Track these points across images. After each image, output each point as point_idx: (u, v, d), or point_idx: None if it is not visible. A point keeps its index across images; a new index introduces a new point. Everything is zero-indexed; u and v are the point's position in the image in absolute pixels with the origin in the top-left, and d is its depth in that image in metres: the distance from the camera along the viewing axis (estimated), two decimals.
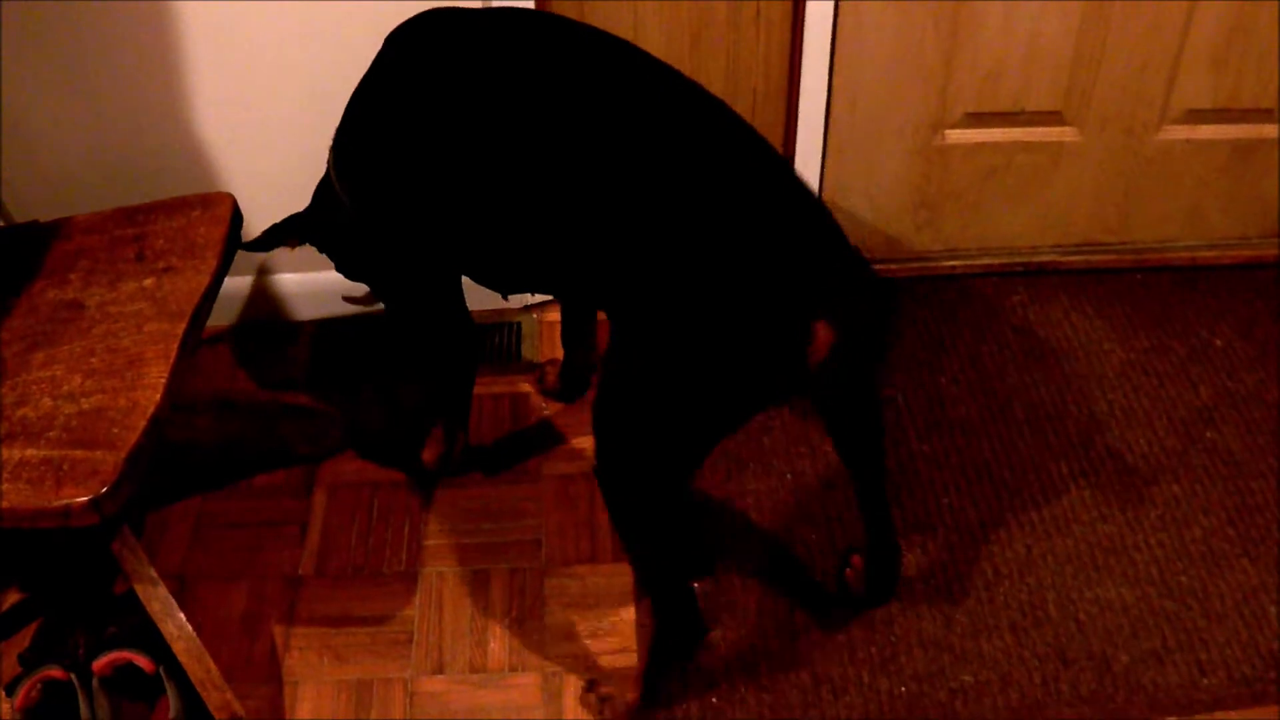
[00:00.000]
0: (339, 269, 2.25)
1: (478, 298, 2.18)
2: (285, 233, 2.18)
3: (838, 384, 1.63)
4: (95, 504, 1.61)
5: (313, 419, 2.57)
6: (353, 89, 1.90)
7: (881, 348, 1.68)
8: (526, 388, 2.61)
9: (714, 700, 2.03)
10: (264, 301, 2.76)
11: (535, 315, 2.77)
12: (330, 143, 1.97)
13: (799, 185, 1.61)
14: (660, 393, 1.60)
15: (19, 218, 2.49)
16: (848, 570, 2.17)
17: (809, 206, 1.59)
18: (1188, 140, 2.67)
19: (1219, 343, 2.64)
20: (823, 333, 1.50)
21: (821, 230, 1.57)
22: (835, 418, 1.90)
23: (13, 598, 2.26)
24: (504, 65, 1.73)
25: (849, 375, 1.66)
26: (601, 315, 2.36)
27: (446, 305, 2.13)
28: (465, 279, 2.04)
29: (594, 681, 2.07)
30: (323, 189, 2.14)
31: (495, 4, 2.26)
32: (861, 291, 1.57)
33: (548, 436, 2.50)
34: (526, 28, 1.79)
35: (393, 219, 1.92)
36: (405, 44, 1.85)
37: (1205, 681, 2.04)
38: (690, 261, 1.53)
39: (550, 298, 2.74)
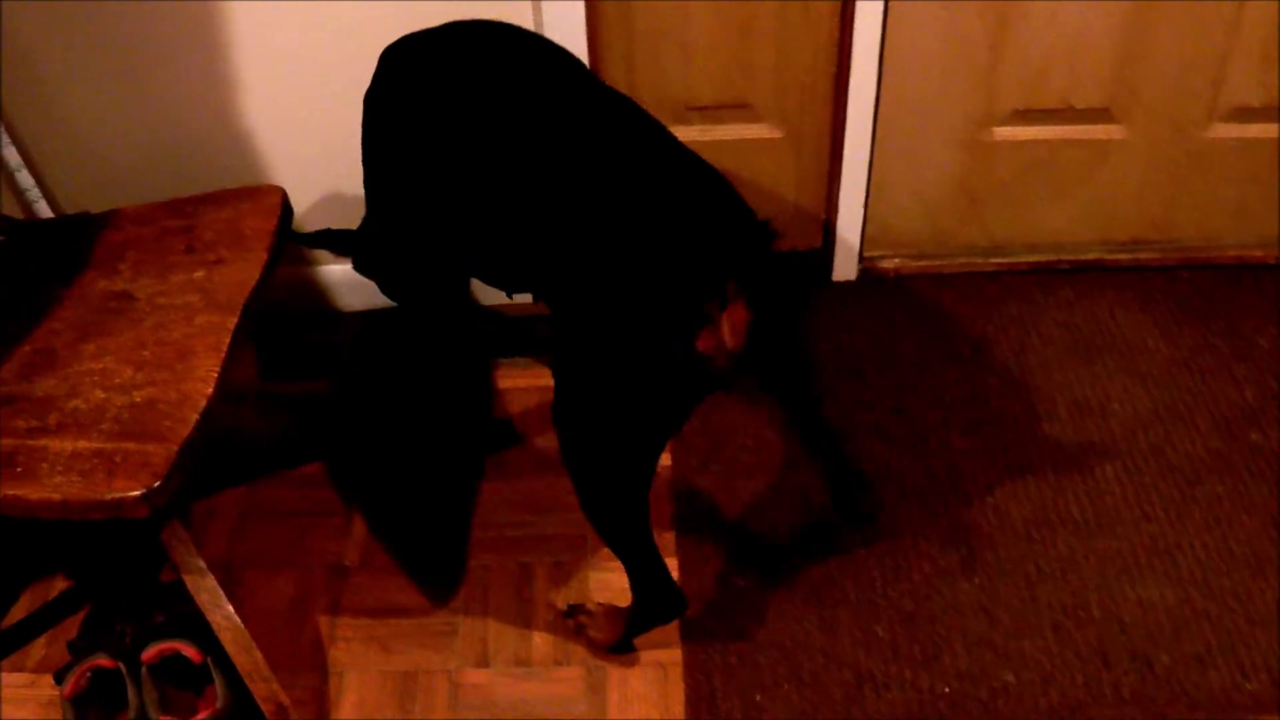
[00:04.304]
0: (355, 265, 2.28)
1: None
2: (335, 242, 2.21)
3: (769, 354, 1.69)
4: (146, 497, 1.61)
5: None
6: None
7: (793, 314, 1.75)
8: None
9: (757, 697, 2.03)
10: (309, 291, 2.77)
11: None
12: None
13: (705, 172, 1.66)
14: (592, 389, 1.68)
15: (68, 208, 2.51)
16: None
17: (715, 192, 1.64)
18: (1236, 138, 2.65)
19: (1264, 342, 2.63)
20: (736, 313, 1.56)
21: (728, 213, 1.63)
22: (774, 387, 2.06)
23: (60, 585, 2.28)
24: (455, 89, 1.82)
25: (775, 343, 1.71)
26: None
27: (447, 299, 2.19)
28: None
29: (575, 608, 2.14)
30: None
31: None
32: (768, 267, 1.64)
33: None
34: (482, 49, 1.88)
35: (395, 216, 2.01)
36: (389, 64, 1.96)
37: (1247, 685, 2.03)
38: (601, 255, 1.59)
39: None
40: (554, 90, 1.79)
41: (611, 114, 1.76)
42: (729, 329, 1.55)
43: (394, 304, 2.65)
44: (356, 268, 2.23)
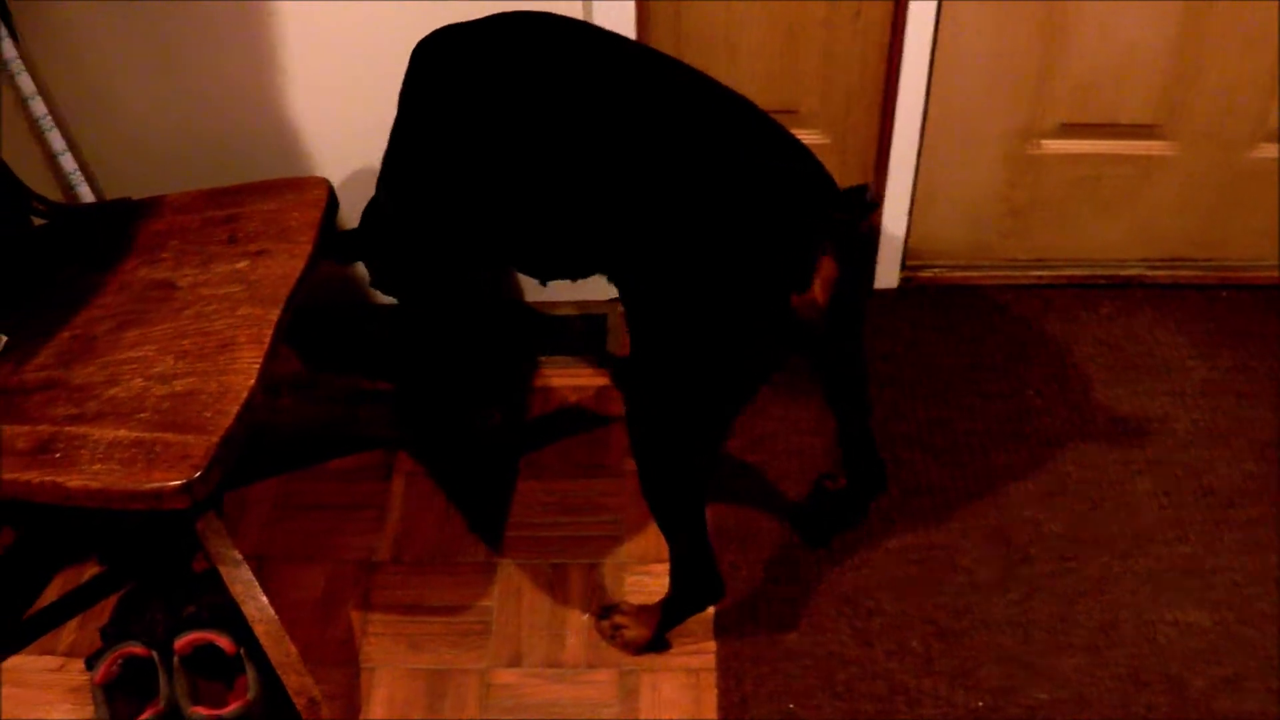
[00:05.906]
0: (374, 283, 2.28)
1: (559, 289, 2.19)
2: (350, 248, 2.21)
3: (837, 321, 1.70)
4: (187, 488, 1.62)
5: (392, 403, 2.57)
6: None
7: (869, 282, 1.78)
8: (609, 381, 2.62)
9: (789, 705, 2.03)
10: (348, 284, 2.77)
11: (620, 309, 2.76)
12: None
13: (784, 138, 1.68)
14: (682, 342, 1.67)
15: (110, 194, 2.51)
16: (826, 481, 2.32)
17: (796, 157, 1.67)
18: None
19: None
20: (827, 269, 1.59)
21: (812, 177, 1.65)
22: (830, 358, 2.00)
23: (92, 569, 2.28)
24: (510, 71, 1.81)
25: (846, 312, 1.72)
26: None
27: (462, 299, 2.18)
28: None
29: (608, 609, 2.14)
30: (369, 209, 2.18)
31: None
32: (854, 229, 1.64)
33: None
34: (532, 33, 1.86)
35: (429, 214, 2.00)
36: (427, 58, 1.93)
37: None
38: (686, 224, 1.60)
39: None
40: (616, 66, 1.79)
41: (689, 86, 1.74)
42: (821, 284, 1.59)
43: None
44: (374, 285, 2.24)
